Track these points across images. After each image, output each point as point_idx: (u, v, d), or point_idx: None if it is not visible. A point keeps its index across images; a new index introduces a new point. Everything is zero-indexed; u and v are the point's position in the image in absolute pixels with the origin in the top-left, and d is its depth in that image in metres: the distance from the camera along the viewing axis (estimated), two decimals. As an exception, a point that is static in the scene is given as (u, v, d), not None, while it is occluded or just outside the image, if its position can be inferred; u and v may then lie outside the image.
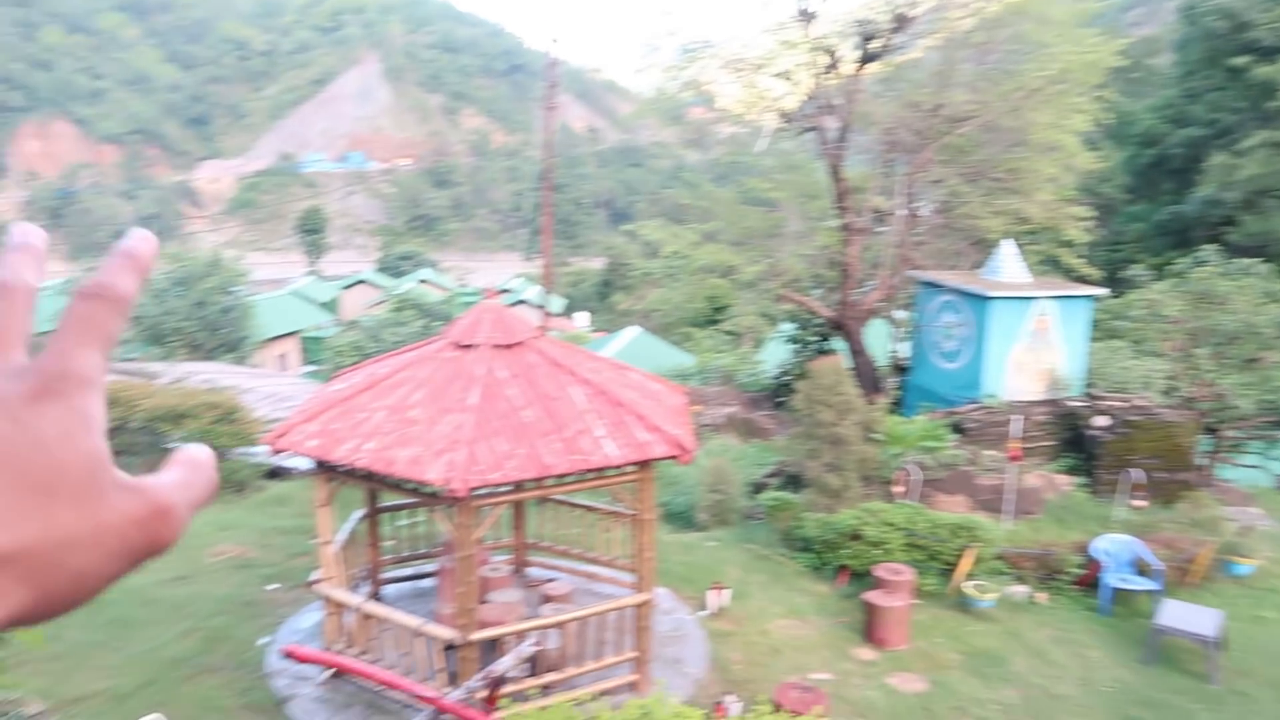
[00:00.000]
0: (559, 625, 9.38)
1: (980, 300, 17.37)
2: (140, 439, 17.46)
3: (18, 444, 0.54)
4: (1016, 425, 15.11)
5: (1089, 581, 12.58)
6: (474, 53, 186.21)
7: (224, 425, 16.87)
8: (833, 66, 20.10)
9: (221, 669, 9.84)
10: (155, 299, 31.46)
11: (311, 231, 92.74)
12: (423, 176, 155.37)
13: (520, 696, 8.10)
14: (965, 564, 12.35)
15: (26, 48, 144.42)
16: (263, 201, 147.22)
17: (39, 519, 0.53)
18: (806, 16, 19.88)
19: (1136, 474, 14.65)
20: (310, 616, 10.96)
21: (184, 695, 9.26)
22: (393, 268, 78.91)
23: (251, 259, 74.72)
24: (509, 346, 9.77)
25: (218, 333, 32.41)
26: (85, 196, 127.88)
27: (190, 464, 0.64)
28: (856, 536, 12.76)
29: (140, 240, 0.65)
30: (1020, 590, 12.55)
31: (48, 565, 0.54)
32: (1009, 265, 18.12)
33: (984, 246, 21.71)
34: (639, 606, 9.71)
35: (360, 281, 66.22)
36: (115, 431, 16.95)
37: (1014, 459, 14.24)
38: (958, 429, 16.00)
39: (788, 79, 21.08)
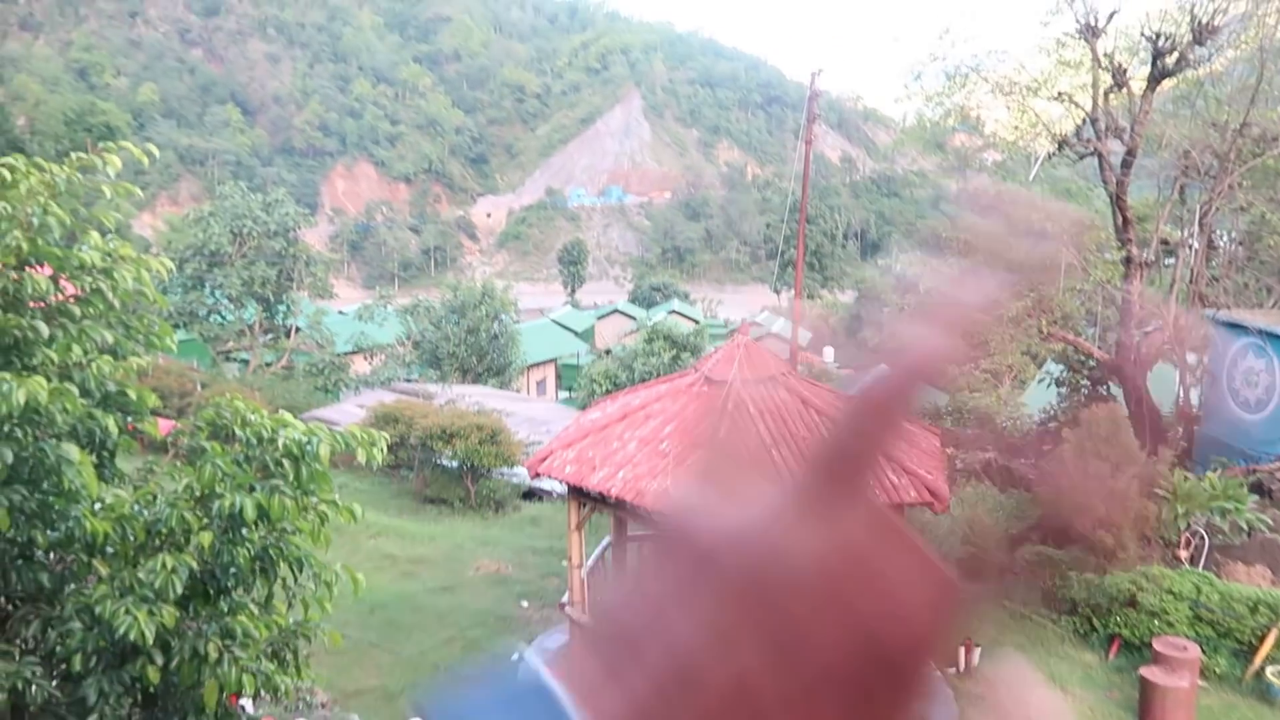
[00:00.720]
0: (799, 669, 9.20)
1: (1292, 344, 15.35)
2: (416, 454, 19.12)
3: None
4: (1336, 490, 13.13)
5: None
6: (732, 86, 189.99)
7: (488, 446, 18.09)
8: (1119, 85, 18.58)
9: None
10: (435, 326, 34.40)
11: (572, 263, 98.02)
12: (677, 209, 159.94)
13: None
14: (1267, 645, 10.84)
15: (340, 98, 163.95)
16: (529, 234, 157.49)
17: None
18: (1091, 32, 18.52)
19: None
20: (558, 636, 11.45)
21: (445, 698, 9.95)
22: (645, 298, 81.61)
23: (518, 289, 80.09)
24: (759, 383, 9.79)
25: (485, 358, 34.92)
26: (380, 231, 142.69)
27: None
28: (1132, 603, 11.57)
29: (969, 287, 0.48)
30: (1338, 683, 10.84)
31: None
32: (1329, 305, 15.89)
33: (1297, 283, 19.19)
34: (884, 658, 9.32)
35: (614, 311, 69.00)
36: (396, 447, 18.68)
37: (1332, 529, 12.38)
38: (1259, 489, 14.16)
39: (1065, 100, 19.72)
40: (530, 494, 19.20)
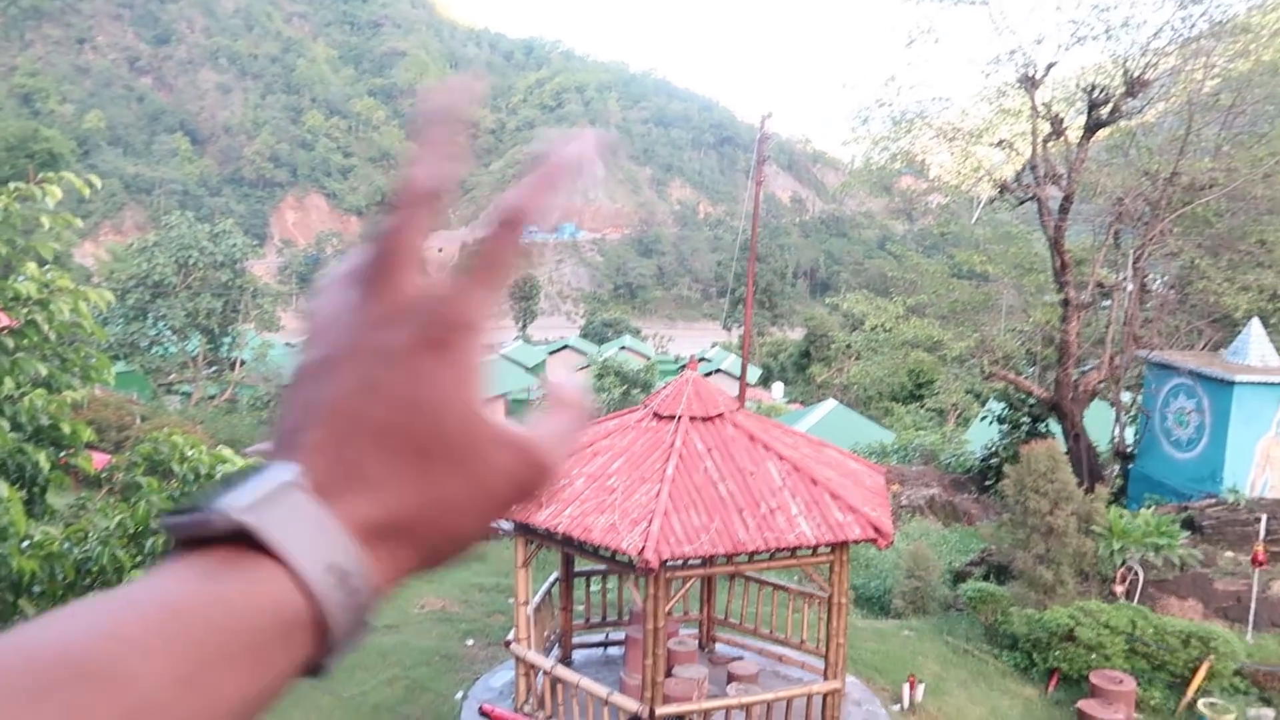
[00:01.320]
0: (744, 707, 9.19)
1: (1221, 384, 15.87)
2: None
3: (399, 403, 0.53)
4: (1263, 525, 13.54)
5: (1355, 713, 10.97)
6: (685, 126, 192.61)
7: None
8: (1056, 134, 19.22)
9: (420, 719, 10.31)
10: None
11: (524, 298, 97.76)
12: (629, 246, 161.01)
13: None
14: (1199, 678, 11.10)
15: (292, 129, 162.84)
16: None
17: (425, 485, 0.53)
18: (1031, 82, 19.19)
19: None
20: (503, 675, 11.31)
21: (386, 740, 9.76)
22: (597, 334, 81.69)
23: (469, 322, 79.12)
24: (708, 419, 9.86)
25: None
26: (330, 262, 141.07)
27: (569, 415, 0.63)
28: (1070, 637, 11.78)
29: (571, 149, 0.60)
30: (1266, 714, 11.12)
31: (430, 527, 0.54)
32: (1256, 346, 16.49)
33: (1225, 325, 19.86)
34: (828, 694, 9.36)
35: (565, 347, 68.95)
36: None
37: (1258, 563, 12.75)
38: (1190, 525, 14.55)
39: (1006, 147, 20.34)
40: (478, 530, 19.02)
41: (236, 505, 0.49)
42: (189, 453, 4.77)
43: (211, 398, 33.13)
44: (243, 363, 34.64)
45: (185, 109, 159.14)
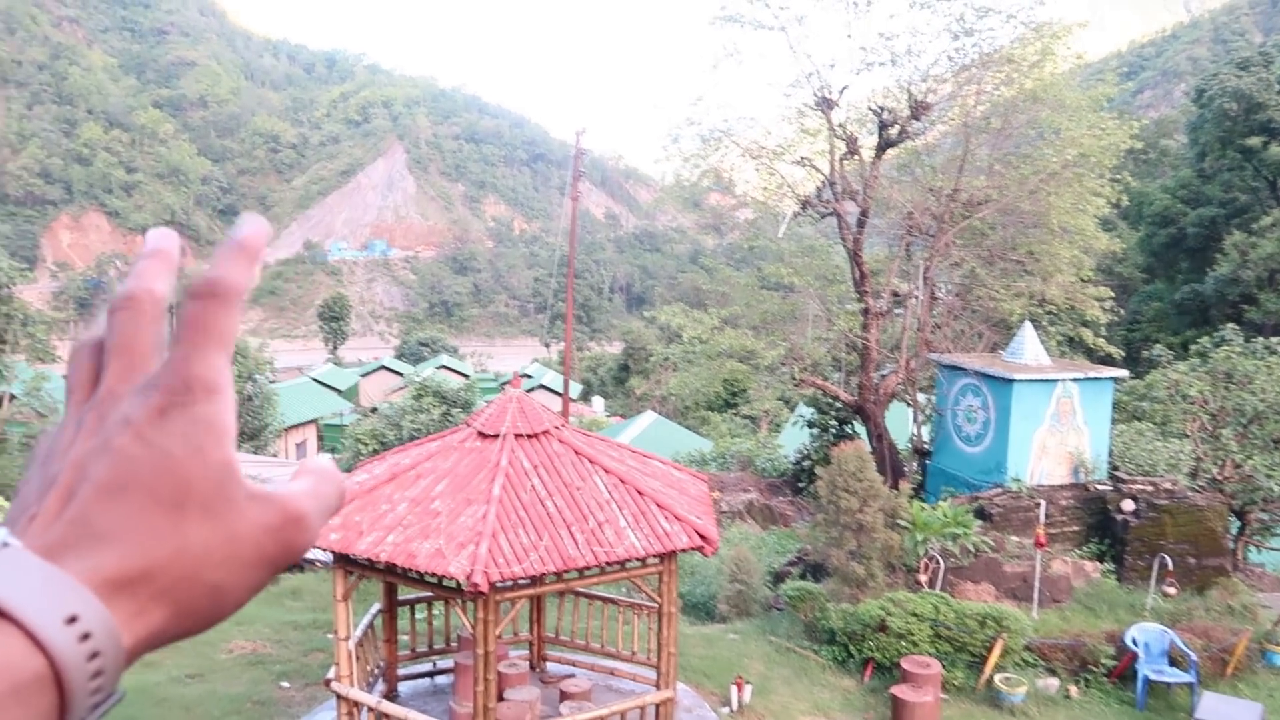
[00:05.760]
0: (578, 724, 9.15)
1: (1002, 382, 17.28)
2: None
3: (145, 464, 0.54)
4: (1042, 510, 14.85)
5: (1122, 673, 12.19)
6: (497, 143, 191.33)
7: (244, 515, 16.82)
8: (851, 153, 20.46)
9: (234, 770, 9.63)
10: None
11: (333, 319, 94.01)
12: (444, 263, 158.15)
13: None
14: (994, 655, 12.01)
15: (66, 143, 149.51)
16: (286, 289, 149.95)
17: (170, 536, 0.53)
18: (827, 104, 20.32)
19: (1166, 560, 14.32)
20: (324, 716, 10.75)
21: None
22: (413, 354, 79.65)
23: (274, 346, 75.77)
24: (533, 436, 9.77)
25: (238, 421, 32.48)
26: (113, 286, 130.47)
27: (318, 473, 0.63)
28: (882, 628, 12.46)
29: (250, 227, 0.62)
30: (1051, 683, 12.17)
31: (182, 581, 0.53)
32: (1030, 347, 18.08)
33: (1003, 329, 21.68)
34: (660, 704, 9.47)
35: (380, 368, 66.78)
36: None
37: (1040, 545, 13.97)
38: (982, 514, 15.74)
39: (807, 165, 21.43)
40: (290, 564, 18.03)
41: None
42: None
43: (-24, 438, 29.77)
44: (12, 397, 31.39)
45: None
